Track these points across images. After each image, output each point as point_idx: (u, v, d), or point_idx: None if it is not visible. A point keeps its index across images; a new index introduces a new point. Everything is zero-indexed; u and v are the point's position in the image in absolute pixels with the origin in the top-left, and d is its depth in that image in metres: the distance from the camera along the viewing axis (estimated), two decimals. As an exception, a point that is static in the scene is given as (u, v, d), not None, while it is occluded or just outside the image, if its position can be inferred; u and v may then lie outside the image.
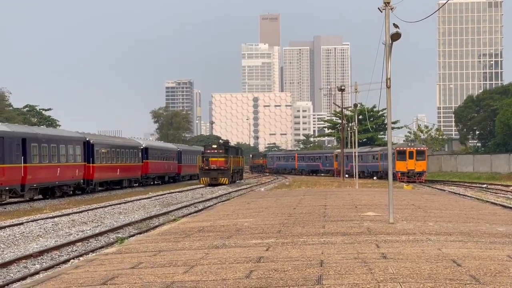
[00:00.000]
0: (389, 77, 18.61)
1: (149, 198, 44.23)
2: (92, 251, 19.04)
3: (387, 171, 74.84)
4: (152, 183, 70.06)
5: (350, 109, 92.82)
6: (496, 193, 47.85)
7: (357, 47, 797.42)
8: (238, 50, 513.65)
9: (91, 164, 50.54)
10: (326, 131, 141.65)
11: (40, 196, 43.91)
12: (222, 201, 39.63)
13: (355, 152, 55.92)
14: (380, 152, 77.55)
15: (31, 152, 40.50)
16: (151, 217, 29.72)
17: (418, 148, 70.54)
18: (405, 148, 69.86)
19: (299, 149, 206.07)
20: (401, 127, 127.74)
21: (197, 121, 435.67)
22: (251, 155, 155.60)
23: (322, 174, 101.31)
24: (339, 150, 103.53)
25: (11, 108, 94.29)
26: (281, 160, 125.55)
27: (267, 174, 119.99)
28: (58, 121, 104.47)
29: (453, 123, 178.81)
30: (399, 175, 66.89)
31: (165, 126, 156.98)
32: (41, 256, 18.53)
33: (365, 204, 26.86)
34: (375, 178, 74.94)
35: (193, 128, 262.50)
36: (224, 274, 10.28)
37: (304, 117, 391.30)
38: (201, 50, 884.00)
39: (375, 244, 13.60)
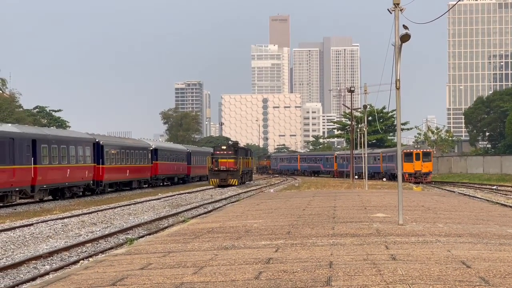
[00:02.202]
0: (398, 78, 18.57)
1: (158, 199, 44.30)
2: (102, 252, 19.07)
3: (389, 172, 76.61)
4: (161, 184, 70.15)
5: (359, 110, 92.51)
6: (506, 194, 47.68)
7: (366, 48, 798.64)
8: (248, 51, 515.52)
9: (100, 165, 50.64)
10: (336, 132, 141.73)
11: (50, 197, 44.02)
12: (231, 202, 39.63)
13: (364, 154, 56.85)
14: (382, 154, 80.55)
15: (41, 153, 40.64)
16: (160, 218, 29.76)
17: (424, 150, 74.14)
18: (411, 150, 73.17)
19: (308, 150, 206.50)
20: (411, 129, 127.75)
21: (206, 122, 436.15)
22: (257, 157, 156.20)
23: (333, 176, 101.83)
24: (339, 152, 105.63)
25: (21, 109, 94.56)
26: (284, 161, 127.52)
27: (277, 175, 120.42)
28: (68, 122, 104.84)
29: (463, 125, 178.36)
30: (406, 176, 69.37)
31: (174, 127, 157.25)
32: (51, 257, 18.57)
33: (374, 205, 26.80)
34: (384, 179, 76.00)
35: (202, 129, 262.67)
36: (233, 275, 10.29)
37: (313, 118, 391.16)
38: (211, 51, 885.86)
39: (384, 245, 13.58)
